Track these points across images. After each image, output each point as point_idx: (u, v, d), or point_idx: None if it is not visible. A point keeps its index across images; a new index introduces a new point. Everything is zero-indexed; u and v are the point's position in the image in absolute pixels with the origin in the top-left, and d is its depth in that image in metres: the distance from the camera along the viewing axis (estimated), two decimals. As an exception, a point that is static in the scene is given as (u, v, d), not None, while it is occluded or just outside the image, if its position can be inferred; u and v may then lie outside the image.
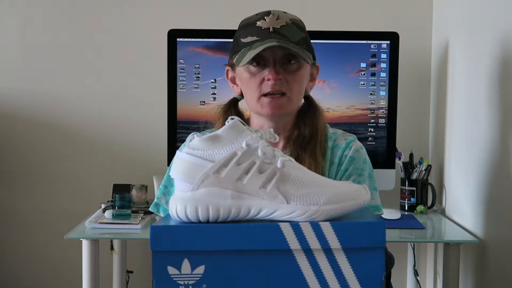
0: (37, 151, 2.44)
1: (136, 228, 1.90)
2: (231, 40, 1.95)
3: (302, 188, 0.90)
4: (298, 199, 0.89)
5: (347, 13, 2.41)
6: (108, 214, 1.96)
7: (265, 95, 1.29)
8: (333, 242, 0.87)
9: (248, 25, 1.29)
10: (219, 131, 0.92)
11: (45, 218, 2.44)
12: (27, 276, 2.47)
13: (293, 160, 0.94)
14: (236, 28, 2.06)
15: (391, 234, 1.91)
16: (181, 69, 2.11)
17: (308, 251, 0.87)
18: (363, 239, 0.87)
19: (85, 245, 1.84)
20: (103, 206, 2.14)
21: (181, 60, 2.11)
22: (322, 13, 2.40)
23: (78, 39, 2.42)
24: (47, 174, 2.44)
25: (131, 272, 2.36)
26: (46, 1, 2.41)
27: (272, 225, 0.87)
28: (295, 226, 0.87)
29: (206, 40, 2.10)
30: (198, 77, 2.12)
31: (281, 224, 0.87)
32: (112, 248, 2.30)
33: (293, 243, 0.87)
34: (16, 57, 2.42)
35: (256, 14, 1.31)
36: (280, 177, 0.90)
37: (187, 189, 0.91)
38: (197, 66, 2.11)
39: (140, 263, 2.44)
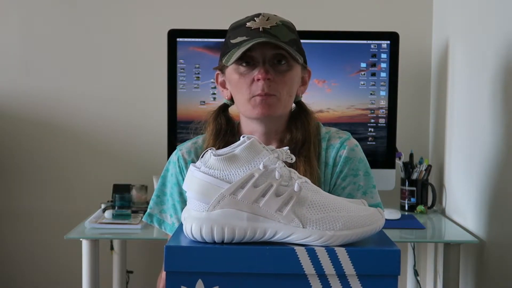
0: (37, 151, 2.44)
1: (136, 228, 1.90)
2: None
3: (318, 212, 0.90)
4: (314, 224, 0.89)
5: (347, 13, 2.41)
6: (108, 214, 1.96)
7: (255, 96, 1.28)
8: (348, 268, 0.87)
9: (238, 26, 1.29)
10: (237, 151, 0.92)
11: (45, 218, 2.44)
12: (27, 276, 2.47)
13: (309, 181, 0.94)
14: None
15: (391, 234, 1.90)
16: (181, 69, 2.11)
17: (322, 276, 0.88)
18: (377, 267, 0.88)
19: (85, 245, 1.84)
20: (103, 206, 2.14)
21: (181, 60, 2.11)
22: (322, 13, 2.40)
23: (78, 39, 2.42)
24: (46, 174, 2.44)
25: (131, 272, 2.36)
26: (46, 1, 2.41)
27: (287, 249, 0.88)
28: (311, 250, 0.88)
29: (206, 40, 2.10)
30: (198, 77, 2.12)
31: (296, 248, 0.88)
32: (112, 248, 2.30)
33: (308, 267, 0.87)
34: (16, 57, 2.42)
35: (246, 17, 1.30)
36: (297, 201, 0.90)
37: (202, 208, 0.91)
38: (197, 66, 2.11)
39: (140, 263, 2.44)
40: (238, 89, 1.30)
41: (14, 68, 2.42)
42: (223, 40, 2.11)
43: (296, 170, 1.27)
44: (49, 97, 2.42)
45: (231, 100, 1.36)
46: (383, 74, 2.12)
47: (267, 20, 1.27)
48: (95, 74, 2.43)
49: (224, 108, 1.39)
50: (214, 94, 2.12)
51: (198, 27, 2.14)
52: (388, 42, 2.11)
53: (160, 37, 2.19)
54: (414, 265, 2.31)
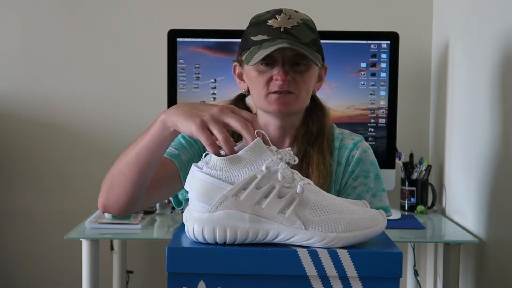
0: (37, 151, 2.43)
1: (136, 228, 1.90)
2: (231, 40, 1.95)
3: (320, 214, 0.90)
4: (316, 226, 0.89)
5: (347, 13, 2.41)
6: (108, 214, 1.96)
7: (272, 92, 1.29)
8: (350, 270, 0.87)
9: (259, 23, 1.29)
10: (240, 152, 0.91)
11: (45, 218, 2.44)
12: (27, 276, 2.47)
13: (311, 183, 0.94)
14: (235, 28, 2.05)
15: (391, 234, 1.90)
16: (181, 69, 2.11)
17: (324, 278, 0.88)
18: (379, 269, 0.87)
19: (85, 245, 1.84)
20: (103, 206, 2.14)
21: (181, 60, 2.11)
22: (322, 13, 2.39)
23: (78, 39, 2.42)
24: (47, 174, 2.44)
25: (131, 272, 2.36)
26: (46, 1, 2.41)
27: (289, 250, 0.88)
28: (313, 252, 0.87)
29: (206, 40, 2.10)
30: (198, 77, 2.12)
31: (298, 250, 0.88)
32: (112, 248, 2.30)
33: (310, 269, 0.87)
34: (16, 57, 2.42)
35: (268, 12, 1.30)
36: (299, 203, 0.90)
37: (204, 209, 0.91)
38: (197, 66, 2.11)
39: (140, 263, 2.44)
40: (256, 86, 1.30)
41: (14, 68, 2.42)
42: (223, 40, 2.14)
43: (309, 160, 1.30)
44: (49, 97, 2.42)
45: (248, 92, 1.37)
46: (383, 74, 2.12)
47: (288, 19, 1.27)
48: (95, 74, 2.43)
49: (241, 98, 1.40)
50: (214, 94, 2.13)
51: (198, 27, 2.14)
52: (388, 42, 2.11)
53: (160, 37, 2.19)
54: (414, 265, 2.31)
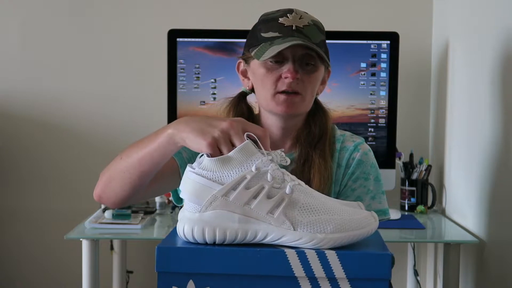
0: (37, 151, 2.43)
1: (136, 228, 1.90)
2: (231, 40, 1.95)
3: (309, 215, 0.90)
4: (305, 226, 0.89)
5: (347, 13, 2.41)
6: (108, 214, 1.96)
7: (280, 92, 1.28)
8: (338, 271, 0.87)
9: (270, 20, 1.28)
10: (230, 153, 0.92)
11: (45, 218, 2.44)
12: (27, 276, 2.47)
13: (302, 183, 0.94)
14: (235, 28, 2.04)
15: (391, 234, 1.92)
16: (181, 69, 2.11)
17: (312, 279, 0.88)
18: (368, 270, 0.87)
19: (85, 245, 1.84)
20: (103, 206, 2.14)
21: (181, 60, 2.11)
22: (322, 13, 2.39)
23: (78, 39, 2.42)
24: (46, 174, 2.44)
25: (131, 272, 2.36)
26: (46, 1, 2.41)
27: (278, 251, 0.88)
28: (301, 253, 0.88)
29: (206, 40, 2.10)
30: (198, 77, 2.12)
31: (287, 250, 0.88)
32: (112, 248, 2.30)
33: (298, 270, 0.88)
34: (16, 57, 2.42)
35: (278, 11, 1.30)
36: (288, 203, 0.90)
37: (195, 209, 0.91)
38: (197, 66, 2.11)
39: (140, 263, 2.44)
40: (263, 84, 1.30)
41: (14, 68, 2.42)
42: (223, 40, 2.14)
43: (311, 163, 1.29)
44: (49, 97, 2.42)
45: (251, 89, 1.36)
46: (383, 74, 2.12)
47: (299, 18, 1.27)
48: (95, 74, 2.43)
49: (243, 96, 1.39)
50: (214, 94, 2.13)
51: (198, 27, 2.14)
52: (388, 42, 2.11)
53: (160, 37, 2.19)
54: (414, 265, 2.31)
